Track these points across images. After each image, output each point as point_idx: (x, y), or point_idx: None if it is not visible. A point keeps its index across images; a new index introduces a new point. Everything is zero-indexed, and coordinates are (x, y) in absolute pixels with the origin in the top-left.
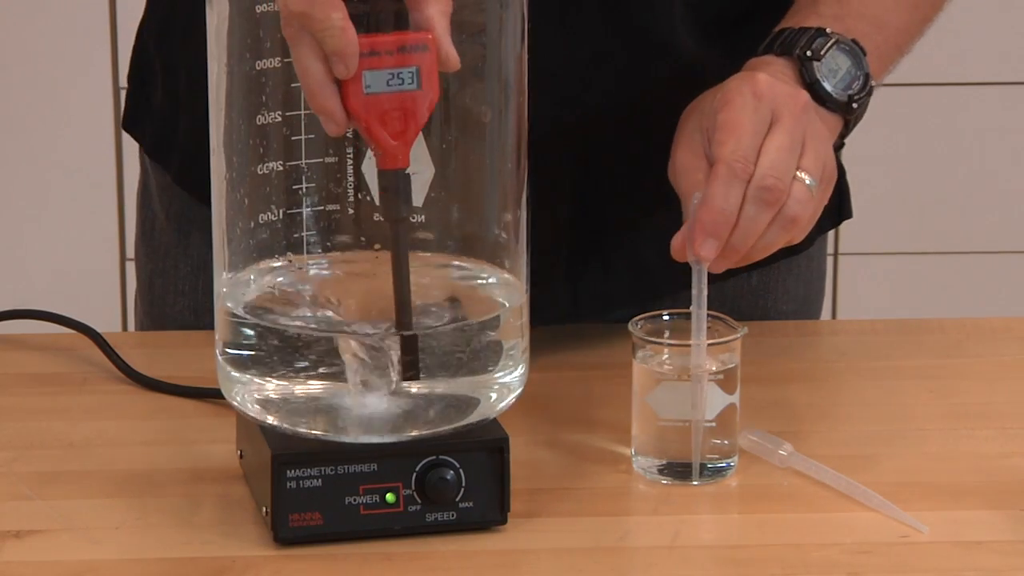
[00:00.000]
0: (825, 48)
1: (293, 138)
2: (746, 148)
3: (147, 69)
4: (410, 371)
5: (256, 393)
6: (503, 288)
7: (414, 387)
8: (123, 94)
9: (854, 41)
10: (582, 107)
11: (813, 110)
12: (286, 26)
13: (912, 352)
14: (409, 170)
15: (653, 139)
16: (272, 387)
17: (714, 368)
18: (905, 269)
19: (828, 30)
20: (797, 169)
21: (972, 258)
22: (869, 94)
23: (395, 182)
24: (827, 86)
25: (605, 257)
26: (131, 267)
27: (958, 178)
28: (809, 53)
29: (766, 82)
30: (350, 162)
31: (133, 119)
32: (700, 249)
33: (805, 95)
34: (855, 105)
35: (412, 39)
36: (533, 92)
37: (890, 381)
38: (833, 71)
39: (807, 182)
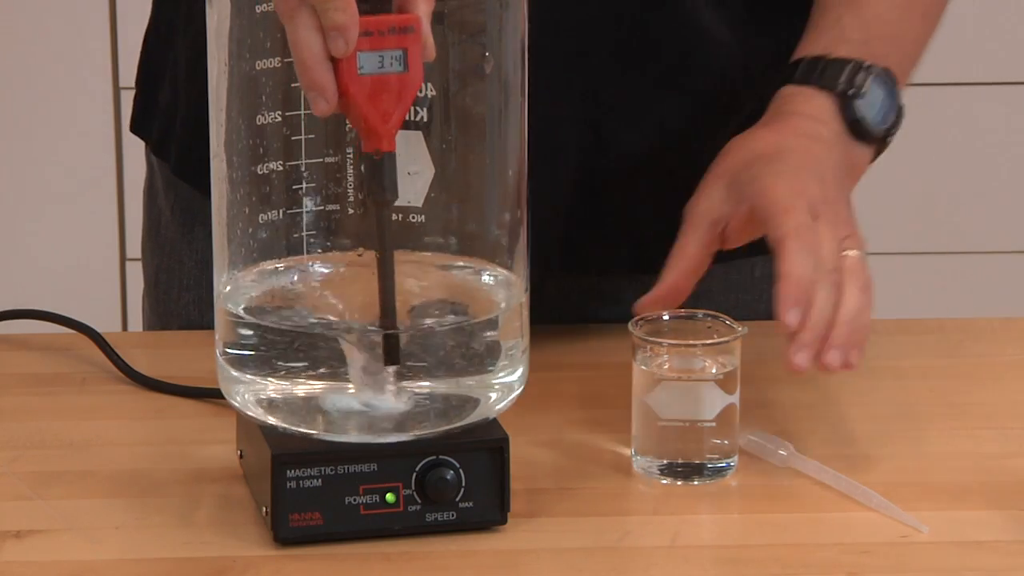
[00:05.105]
0: (866, 83)
1: (293, 138)
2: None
3: (153, 69)
4: (391, 357)
5: (256, 393)
6: (503, 288)
7: (414, 387)
8: (123, 94)
9: (886, 70)
10: (586, 63)
11: (844, 173)
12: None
13: (912, 352)
14: (409, 170)
15: (659, 98)
16: (272, 387)
17: (714, 369)
18: (905, 269)
19: (866, 63)
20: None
21: (972, 258)
22: (900, 125)
23: (382, 165)
24: (868, 123)
25: (601, 219)
26: (131, 267)
27: (958, 178)
28: (852, 91)
29: (804, 163)
30: (350, 162)
31: (141, 120)
32: (786, 316)
33: (836, 159)
34: (889, 139)
35: (402, 21)
36: (536, 48)
37: (890, 381)
38: (871, 105)
39: (857, 254)
